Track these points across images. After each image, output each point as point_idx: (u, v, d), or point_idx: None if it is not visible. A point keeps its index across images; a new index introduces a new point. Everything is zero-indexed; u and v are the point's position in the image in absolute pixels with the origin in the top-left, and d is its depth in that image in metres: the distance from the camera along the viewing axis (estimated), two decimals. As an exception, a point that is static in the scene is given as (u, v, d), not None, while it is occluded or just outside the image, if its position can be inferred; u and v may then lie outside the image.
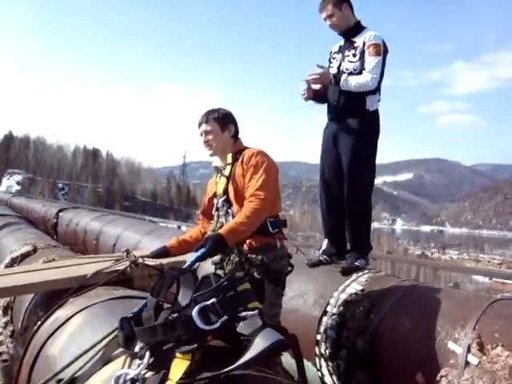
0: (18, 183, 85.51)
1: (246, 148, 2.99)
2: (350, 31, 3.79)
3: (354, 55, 3.70)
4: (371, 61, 3.60)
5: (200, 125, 3.02)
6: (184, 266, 2.56)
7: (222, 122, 2.99)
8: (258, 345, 1.28)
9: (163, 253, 2.94)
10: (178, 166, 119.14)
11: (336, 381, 3.16)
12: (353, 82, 3.63)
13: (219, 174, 2.99)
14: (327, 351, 3.21)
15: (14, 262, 3.96)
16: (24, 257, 3.99)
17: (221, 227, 2.74)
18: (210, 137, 2.98)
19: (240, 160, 2.88)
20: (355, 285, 3.34)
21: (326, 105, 3.98)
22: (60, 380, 1.51)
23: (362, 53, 3.67)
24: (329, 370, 3.21)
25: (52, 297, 2.55)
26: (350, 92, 3.67)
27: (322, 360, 3.25)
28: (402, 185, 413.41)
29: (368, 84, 3.61)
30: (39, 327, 2.14)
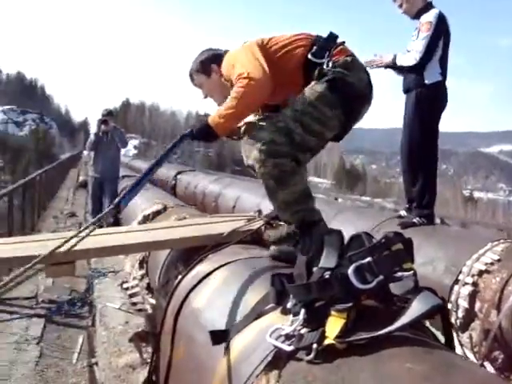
0: (134, 147, 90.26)
1: None
2: (419, 13, 4.02)
3: (415, 35, 4.00)
4: (420, 38, 3.88)
5: (192, 83, 2.91)
6: (167, 147, 2.56)
7: (204, 69, 2.80)
8: (417, 307, 1.24)
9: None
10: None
11: (468, 352, 3.05)
12: (401, 60, 3.99)
13: None
14: (458, 321, 3.10)
15: (146, 219, 4.17)
16: (155, 214, 4.20)
17: None
18: (204, 89, 2.88)
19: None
20: (490, 254, 3.17)
21: None
22: (212, 331, 1.55)
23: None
24: (459, 341, 3.11)
25: (189, 253, 2.63)
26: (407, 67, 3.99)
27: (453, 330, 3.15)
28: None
29: (411, 60, 3.91)
30: (181, 280, 2.22)
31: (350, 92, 2.44)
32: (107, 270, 5.42)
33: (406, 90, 4.14)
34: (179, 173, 11.00)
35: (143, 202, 5.13)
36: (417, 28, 4.03)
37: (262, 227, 2.68)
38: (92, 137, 7.84)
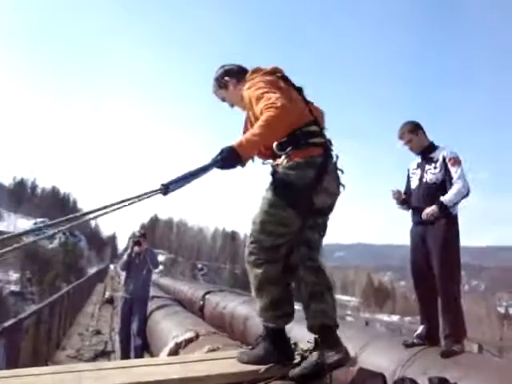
0: (161, 263, 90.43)
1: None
2: (427, 150, 4.47)
3: (435, 167, 4.34)
4: (455, 171, 4.21)
5: (214, 85, 3.17)
6: (191, 171, 2.43)
7: (220, 85, 3.13)
8: None
9: None
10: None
11: None
12: (451, 199, 4.16)
13: None
14: None
15: (178, 348, 4.13)
16: (187, 342, 4.17)
17: None
18: (228, 100, 3.15)
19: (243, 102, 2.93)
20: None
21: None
22: None
23: (443, 166, 4.29)
24: None
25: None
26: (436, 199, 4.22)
27: None
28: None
29: (462, 191, 4.17)
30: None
31: (292, 192, 2.71)
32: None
33: (428, 222, 4.26)
34: (207, 293, 10.94)
35: (172, 328, 5.11)
36: (432, 162, 4.37)
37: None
38: (125, 257, 7.92)
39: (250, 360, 2.78)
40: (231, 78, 3.11)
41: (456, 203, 4.21)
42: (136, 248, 7.76)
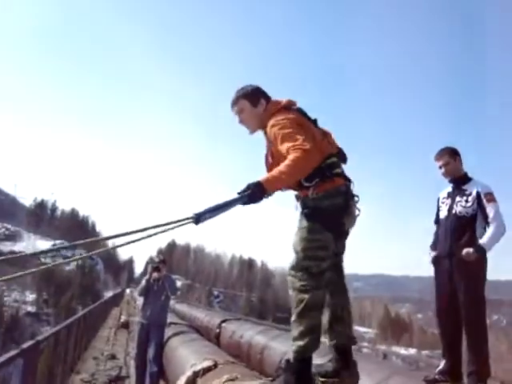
0: (178, 289, 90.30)
1: (270, 116, 3.00)
2: (460, 180, 4.44)
3: (467, 201, 4.28)
4: (491, 209, 4.16)
5: (232, 106, 3.15)
6: (220, 204, 2.50)
7: (252, 97, 3.09)
8: None
9: None
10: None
11: None
12: (490, 241, 4.10)
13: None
14: None
15: (196, 376, 4.12)
16: (205, 371, 4.15)
17: None
18: (244, 116, 3.11)
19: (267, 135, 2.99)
20: None
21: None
22: None
23: (476, 200, 4.23)
24: None
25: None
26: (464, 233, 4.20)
27: None
28: None
29: (501, 231, 4.12)
30: None
31: (327, 217, 2.87)
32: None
33: (454, 255, 4.22)
34: (224, 321, 10.89)
35: (190, 356, 5.09)
36: (464, 194, 4.32)
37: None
38: (143, 282, 7.91)
39: None
40: (261, 98, 3.13)
41: (495, 243, 4.14)
42: (155, 274, 7.75)
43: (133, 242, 2.20)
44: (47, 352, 7.32)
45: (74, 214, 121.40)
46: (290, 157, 2.66)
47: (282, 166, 2.67)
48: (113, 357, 12.05)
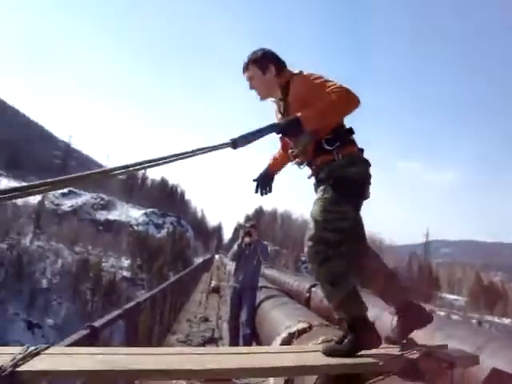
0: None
1: (291, 75, 2.94)
2: None
3: None
4: None
5: (243, 72, 3.06)
6: (256, 129, 2.56)
7: (262, 64, 3.00)
8: None
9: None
10: (420, 244, 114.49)
11: None
12: None
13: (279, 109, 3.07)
14: None
15: (291, 338, 4.19)
16: (300, 333, 4.22)
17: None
18: (254, 82, 3.04)
19: (291, 91, 2.90)
20: None
21: None
22: None
23: None
24: None
25: (338, 381, 2.62)
26: None
27: None
28: None
29: None
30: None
31: (352, 188, 2.80)
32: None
33: None
34: (314, 285, 10.96)
35: (284, 319, 5.19)
36: None
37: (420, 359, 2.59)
38: (235, 247, 8.05)
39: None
40: (270, 65, 3.02)
41: None
42: (246, 239, 7.88)
43: (173, 160, 2.28)
44: (145, 313, 7.71)
45: (163, 183, 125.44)
46: (333, 95, 2.64)
47: (322, 104, 2.65)
48: (206, 319, 12.46)
